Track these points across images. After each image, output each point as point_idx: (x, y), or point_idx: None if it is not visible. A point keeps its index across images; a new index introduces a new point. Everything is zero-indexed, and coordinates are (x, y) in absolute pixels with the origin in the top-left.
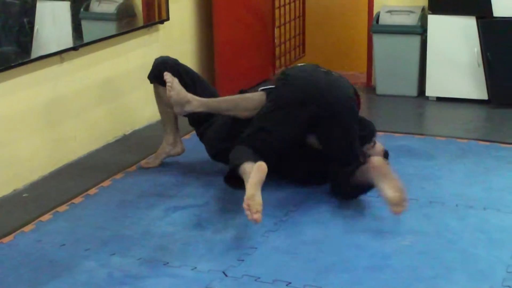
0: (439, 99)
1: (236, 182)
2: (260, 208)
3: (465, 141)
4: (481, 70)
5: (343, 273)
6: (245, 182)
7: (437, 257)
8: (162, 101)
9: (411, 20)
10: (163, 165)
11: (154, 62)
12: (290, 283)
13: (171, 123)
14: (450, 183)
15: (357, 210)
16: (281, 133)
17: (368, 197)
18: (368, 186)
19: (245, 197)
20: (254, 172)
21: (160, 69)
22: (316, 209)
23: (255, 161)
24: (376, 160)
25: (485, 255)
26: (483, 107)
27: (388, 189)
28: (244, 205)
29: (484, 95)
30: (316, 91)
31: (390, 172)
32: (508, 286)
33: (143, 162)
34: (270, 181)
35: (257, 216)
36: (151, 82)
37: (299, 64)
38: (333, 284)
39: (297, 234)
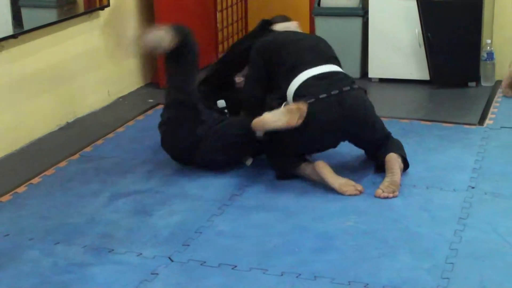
0: (382, 80)
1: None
2: (357, 185)
3: (408, 121)
4: (422, 51)
5: (288, 255)
6: (306, 176)
7: (381, 236)
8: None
9: (352, 2)
10: (106, 153)
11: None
12: (235, 266)
13: None
14: None
15: (300, 193)
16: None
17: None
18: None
19: (339, 186)
20: (323, 168)
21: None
22: (259, 192)
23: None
24: (391, 155)
25: (428, 233)
26: (425, 88)
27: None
28: (346, 189)
29: (425, 76)
30: (336, 127)
31: (397, 168)
32: (451, 263)
33: None
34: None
35: (360, 188)
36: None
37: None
38: (279, 266)
39: (242, 217)
